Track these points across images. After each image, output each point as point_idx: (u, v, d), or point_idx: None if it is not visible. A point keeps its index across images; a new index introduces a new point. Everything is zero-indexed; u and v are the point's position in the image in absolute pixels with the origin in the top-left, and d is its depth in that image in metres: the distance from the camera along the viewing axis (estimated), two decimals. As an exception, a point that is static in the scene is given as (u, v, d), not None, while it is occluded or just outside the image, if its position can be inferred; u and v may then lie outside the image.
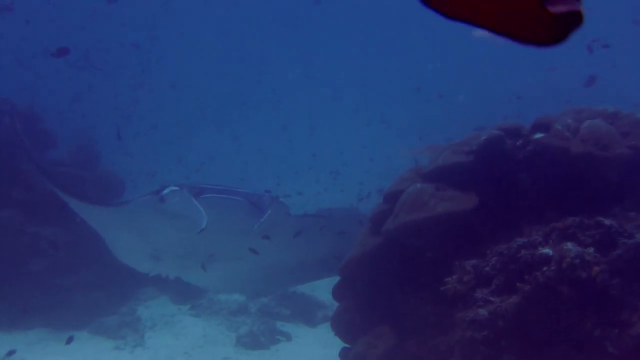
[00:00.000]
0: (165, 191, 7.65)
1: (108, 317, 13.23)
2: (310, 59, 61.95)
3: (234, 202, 7.64)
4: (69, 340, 10.24)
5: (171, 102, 42.15)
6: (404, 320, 7.09)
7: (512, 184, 6.82)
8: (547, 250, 5.36)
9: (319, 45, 63.82)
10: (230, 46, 60.34)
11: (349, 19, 61.34)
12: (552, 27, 1.37)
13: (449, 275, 6.21)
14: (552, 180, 6.67)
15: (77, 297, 13.40)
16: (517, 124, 7.17)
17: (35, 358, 11.07)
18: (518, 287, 5.38)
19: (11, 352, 10.58)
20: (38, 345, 11.78)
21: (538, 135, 6.82)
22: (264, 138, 39.32)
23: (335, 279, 8.38)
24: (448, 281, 6.15)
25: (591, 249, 5.21)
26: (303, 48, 63.66)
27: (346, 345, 8.13)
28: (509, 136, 6.99)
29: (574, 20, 1.35)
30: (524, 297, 5.32)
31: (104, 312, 13.40)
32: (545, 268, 5.23)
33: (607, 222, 5.40)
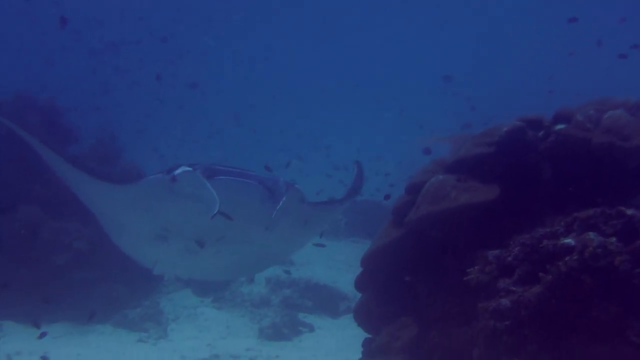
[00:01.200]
0: (178, 171, 7.39)
1: (131, 310, 13.34)
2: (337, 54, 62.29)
3: (248, 186, 7.41)
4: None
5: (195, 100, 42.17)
6: (427, 311, 7.12)
7: (534, 175, 6.84)
8: (569, 240, 5.38)
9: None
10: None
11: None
12: None
13: (471, 265, 6.23)
14: (573, 171, 6.68)
15: (99, 290, 13.52)
16: (539, 115, 7.18)
17: (59, 351, 11.16)
18: (540, 277, 5.40)
19: (43, 334, 10.71)
20: (62, 339, 11.90)
21: (559, 126, 6.83)
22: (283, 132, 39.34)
23: (358, 270, 8.42)
24: (470, 271, 6.17)
25: (613, 239, 5.21)
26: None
27: (369, 335, 8.16)
28: (530, 127, 7.01)
29: None
30: (547, 286, 5.33)
31: (127, 305, 13.51)
32: (567, 258, 5.25)
33: (629, 211, 5.40)
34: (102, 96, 37.33)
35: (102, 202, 8.74)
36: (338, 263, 17.61)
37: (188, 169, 7.30)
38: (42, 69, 36.52)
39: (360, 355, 8.45)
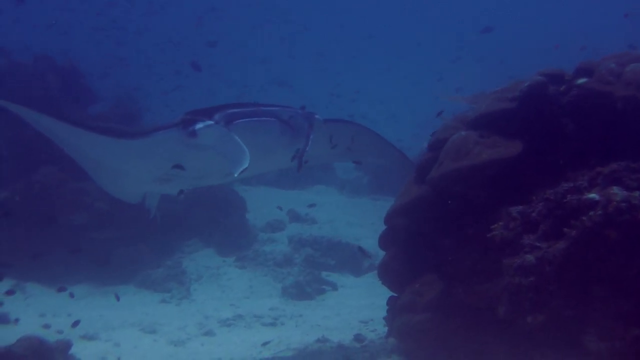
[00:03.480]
0: (199, 125, 7.11)
1: (153, 270, 13.37)
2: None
3: (267, 124, 7.30)
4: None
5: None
6: (451, 268, 7.13)
7: (556, 130, 6.80)
8: (593, 195, 5.36)
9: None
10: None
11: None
12: None
13: (495, 222, 6.24)
14: (596, 125, 6.64)
15: (121, 251, 13.56)
16: (560, 69, 7.13)
17: (82, 312, 11.21)
18: (565, 233, 5.40)
19: (62, 289, 10.80)
20: (84, 300, 11.93)
21: (581, 80, 6.78)
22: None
23: (380, 228, 8.42)
24: (494, 228, 6.18)
25: (637, 193, 5.20)
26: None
27: (393, 294, 8.19)
28: (552, 82, 6.95)
29: None
30: (571, 242, 5.33)
31: (149, 266, 13.55)
32: (591, 212, 5.24)
33: (654, 164, 5.40)
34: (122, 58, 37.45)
35: (100, 156, 8.26)
36: (360, 220, 17.58)
37: (210, 122, 7.11)
38: (60, 30, 36.48)
39: (384, 313, 8.48)
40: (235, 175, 6.71)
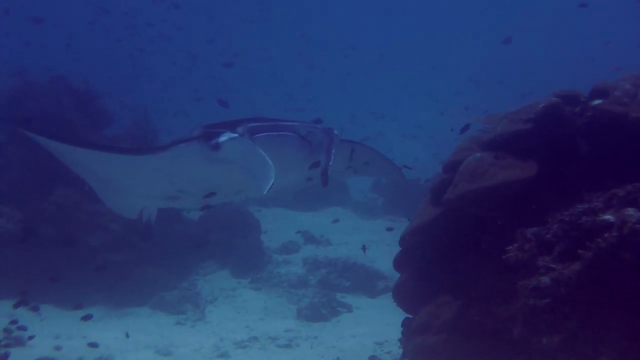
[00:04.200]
0: (222, 138, 6.74)
1: (168, 292, 13.42)
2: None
3: (286, 139, 6.94)
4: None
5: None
6: (466, 289, 7.13)
7: (572, 151, 6.81)
8: (608, 216, 5.36)
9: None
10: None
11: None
12: None
13: (510, 243, 6.24)
14: (611, 147, 6.65)
15: (136, 272, 13.61)
16: (575, 90, 7.14)
17: (97, 334, 11.26)
18: (580, 254, 5.39)
19: (78, 306, 10.81)
20: (100, 322, 11.97)
21: (596, 102, 6.79)
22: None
23: (395, 249, 8.42)
24: (509, 249, 6.18)
25: (653, 214, 5.20)
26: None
27: (408, 315, 8.19)
28: (567, 103, 6.97)
29: None
30: (586, 263, 5.32)
31: (164, 287, 13.59)
32: (606, 234, 5.24)
33: (669, 187, 5.39)
34: (138, 79, 37.67)
35: (116, 175, 7.80)
36: (375, 242, 17.60)
37: (234, 135, 6.75)
38: (74, 52, 36.72)
39: (399, 335, 8.48)
40: (265, 192, 6.36)
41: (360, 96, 50.54)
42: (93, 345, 10.05)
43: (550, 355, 5.73)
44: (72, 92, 16.10)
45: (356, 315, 13.07)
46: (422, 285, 7.79)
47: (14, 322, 10.45)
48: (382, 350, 10.30)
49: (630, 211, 5.25)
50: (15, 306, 9.98)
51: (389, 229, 12.31)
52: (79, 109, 15.67)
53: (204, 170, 7.19)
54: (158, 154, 7.07)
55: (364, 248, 12.54)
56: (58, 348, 10.60)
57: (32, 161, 13.93)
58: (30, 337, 10.44)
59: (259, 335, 11.50)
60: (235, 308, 13.40)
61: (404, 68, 56.67)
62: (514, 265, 6.12)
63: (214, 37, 42.83)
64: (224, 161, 6.89)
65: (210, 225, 16.05)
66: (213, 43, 40.75)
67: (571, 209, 5.83)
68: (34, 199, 13.65)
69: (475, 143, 7.59)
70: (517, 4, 60.56)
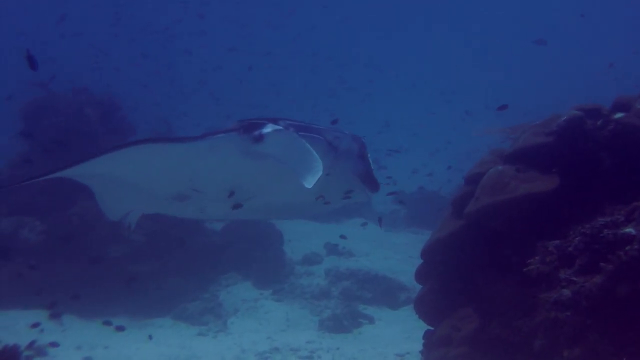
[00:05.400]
0: (266, 130, 6.27)
1: (190, 303, 13.44)
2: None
3: (314, 141, 6.35)
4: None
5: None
6: (488, 302, 7.14)
7: (593, 164, 6.81)
8: (629, 230, 5.36)
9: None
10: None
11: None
12: None
13: (531, 256, 6.24)
14: (633, 159, 6.64)
15: (158, 283, 13.64)
16: (597, 104, 7.15)
17: (119, 346, 11.31)
18: (601, 267, 5.40)
19: (107, 323, 10.86)
20: (122, 333, 12.00)
21: (618, 115, 6.79)
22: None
23: (417, 261, 8.43)
24: (531, 262, 6.18)
25: (674, 228, 5.20)
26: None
27: (430, 327, 8.19)
28: (589, 116, 6.97)
29: None
30: (607, 276, 5.33)
31: (186, 299, 13.62)
32: (628, 247, 5.24)
33: (691, 200, 5.39)
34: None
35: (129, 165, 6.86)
36: (397, 254, 17.61)
37: (278, 127, 6.33)
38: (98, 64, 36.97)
39: (420, 347, 8.47)
40: (310, 185, 5.88)
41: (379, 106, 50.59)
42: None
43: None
44: (95, 103, 16.19)
45: (378, 327, 13.06)
46: (444, 298, 7.80)
47: (35, 325, 10.45)
48: (404, 362, 10.31)
49: (652, 224, 5.26)
50: (50, 317, 10.02)
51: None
52: (101, 120, 15.77)
53: (235, 165, 6.66)
54: (192, 144, 6.43)
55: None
56: (87, 359, 10.66)
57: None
58: (52, 344, 10.44)
59: (281, 347, 11.50)
60: (257, 319, 13.41)
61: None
62: (535, 277, 6.12)
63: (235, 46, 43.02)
64: (261, 155, 6.43)
65: (232, 236, 16.08)
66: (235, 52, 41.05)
67: (593, 222, 5.84)
68: (56, 211, 13.73)
69: (497, 156, 7.61)
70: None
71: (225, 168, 6.68)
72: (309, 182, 5.88)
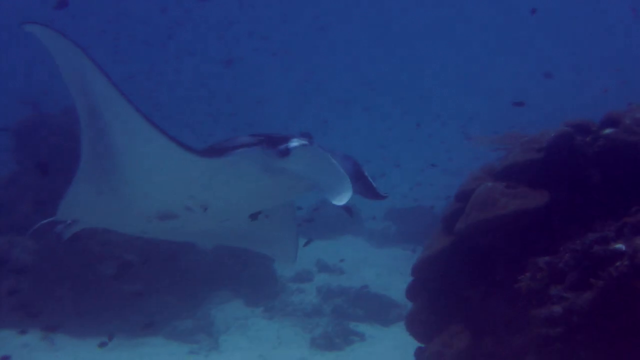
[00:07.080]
0: (293, 144, 5.81)
1: (182, 321, 13.42)
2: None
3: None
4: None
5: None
6: (479, 318, 7.14)
7: (583, 180, 6.82)
8: (619, 245, 5.36)
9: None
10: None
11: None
12: None
13: (522, 273, 6.24)
14: (622, 175, 6.65)
15: (150, 301, 13.61)
16: (586, 120, 7.16)
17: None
18: (592, 283, 5.40)
19: (103, 344, 10.82)
20: (114, 352, 11.97)
21: (607, 131, 6.80)
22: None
23: (408, 277, 8.43)
24: (521, 279, 6.18)
25: (664, 243, 5.20)
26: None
27: (421, 344, 8.18)
28: (578, 132, 6.99)
29: None
30: (598, 292, 5.32)
31: (177, 317, 13.59)
32: (618, 263, 5.24)
33: (681, 215, 5.40)
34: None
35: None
36: (388, 270, 17.63)
37: (305, 142, 5.86)
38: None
39: (412, 364, 8.47)
40: (340, 203, 5.48)
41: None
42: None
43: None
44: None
45: (369, 344, 13.06)
46: (435, 314, 7.79)
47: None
48: (396, 379, 10.31)
49: (641, 240, 5.26)
50: (42, 338, 9.98)
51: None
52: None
53: (248, 182, 6.21)
54: (212, 159, 5.98)
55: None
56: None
57: (45, 192, 13.98)
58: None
59: (273, 365, 11.51)
60: (248, 337, 13.40)
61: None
62: (526, 294, 6.12)
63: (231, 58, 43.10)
64: (284, 172, 6.01)
65: (223, 253, 16.05)
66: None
67: (583, 237, 5.84)
68: (48, 230, 13.69)
69: (486, 172, 7.63)
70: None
71: (236, 184, 6.25)
72: (339, 201, 5.51)
